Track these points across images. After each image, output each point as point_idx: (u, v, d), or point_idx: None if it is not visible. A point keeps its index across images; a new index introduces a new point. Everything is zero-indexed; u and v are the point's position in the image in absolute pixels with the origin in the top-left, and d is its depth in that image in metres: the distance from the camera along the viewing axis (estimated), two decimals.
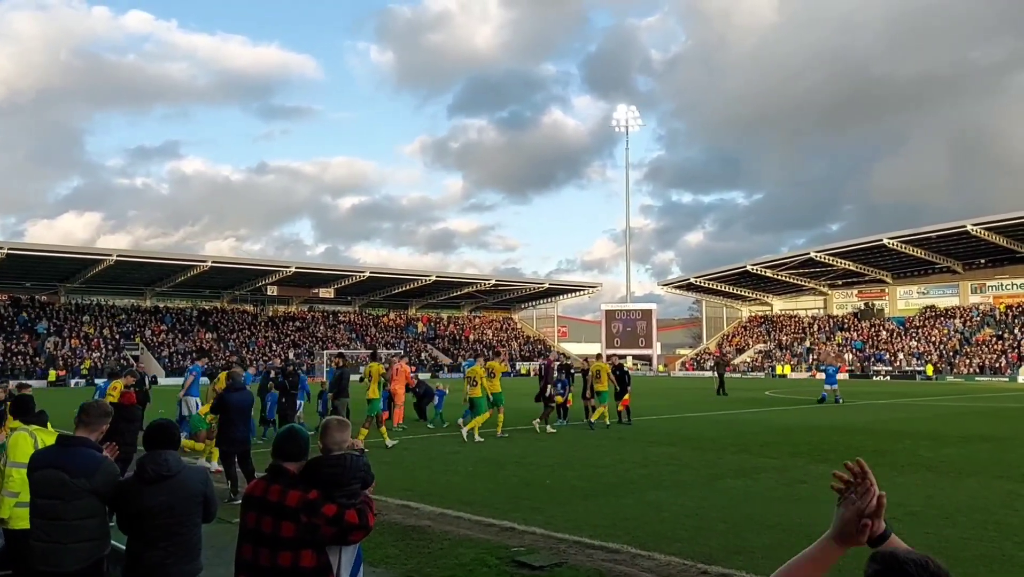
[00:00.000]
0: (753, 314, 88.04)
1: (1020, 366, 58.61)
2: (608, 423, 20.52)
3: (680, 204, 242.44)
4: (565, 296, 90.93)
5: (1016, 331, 63.74)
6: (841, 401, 30.04)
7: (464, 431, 17.54)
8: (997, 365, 60.25)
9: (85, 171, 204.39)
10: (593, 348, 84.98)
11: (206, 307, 73.91)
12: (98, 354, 60.70)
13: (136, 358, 59.74)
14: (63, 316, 65.00)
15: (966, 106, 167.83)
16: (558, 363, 24.46)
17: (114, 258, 60.57)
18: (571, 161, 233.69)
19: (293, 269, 69.56)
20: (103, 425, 4.73)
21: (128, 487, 4.32)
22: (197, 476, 4.48)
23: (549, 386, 20.77)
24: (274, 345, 68.98)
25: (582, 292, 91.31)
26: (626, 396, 21.91)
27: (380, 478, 11.86)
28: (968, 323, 68.13)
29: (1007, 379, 56.60)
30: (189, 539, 4.30)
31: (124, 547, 4.41)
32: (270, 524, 3.70)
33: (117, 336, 64.34)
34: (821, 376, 64.55)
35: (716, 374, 38.48)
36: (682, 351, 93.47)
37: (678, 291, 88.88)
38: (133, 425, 10.86)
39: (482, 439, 17.28)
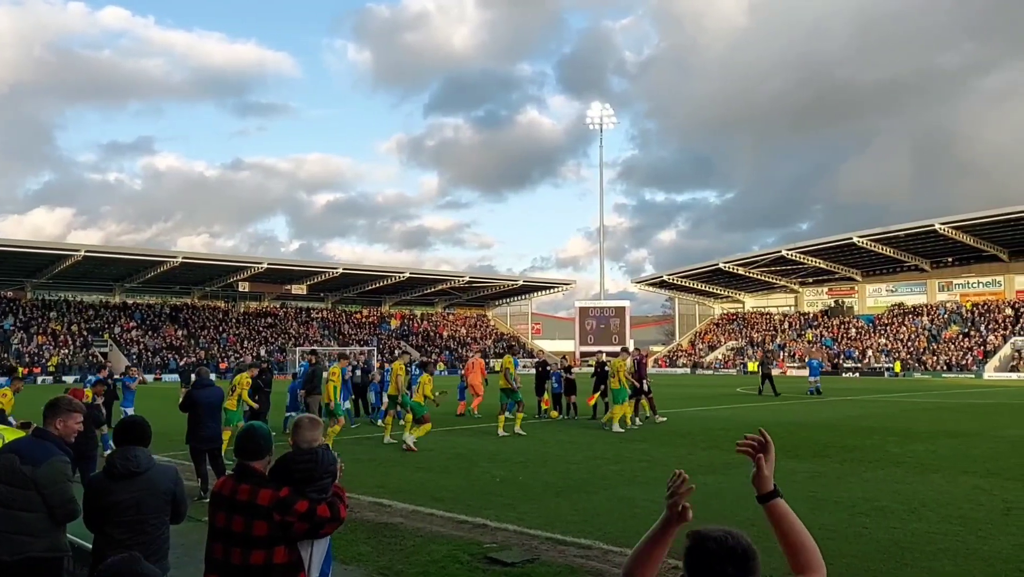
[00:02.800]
0: (725, 311, 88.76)
1: (986, 363, 59.63)
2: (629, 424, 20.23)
3: (653, 203, 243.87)
4: (539, 293, 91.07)
5: (982, 328, 64.83)
6: (819, 393, 32.65)
7: (614, 426, 18.54)
8: (964, 362, 61.23)
9: (56, 166, 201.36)
10: (567, 345, 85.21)
11: (176, 303, 73.10)
12: (66, 351, 59.83)
13: (105, 355, 58.93)
14: (29, 312, 63.98)
15: (930, 109, 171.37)
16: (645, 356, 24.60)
17: (82, 254, 59.70)
18: (546, 160, 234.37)
19: (265, 265, 69.00)
20: (65, 418, 4.66)
21: (96, 483, 4.26)
22: (167, 474, 4.42)
23: (644, 380, 21.04)
24: (245, 342, 68.39)
25: (556, 289, 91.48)
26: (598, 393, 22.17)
27: (352, 475, 11.81)
28: (935, 321, 69.16)
29: (973, 376, 57.55)
30: (157, 538, 4.24)
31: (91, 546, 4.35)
32: (241, 523, 3.68)
33: (85, 332, 63.44)
34: (793, 373, 65.54)
35: (762, 374, 34.88)
36: (655, 348, 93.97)
37: (651, 288, 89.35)
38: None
39: (640, 422, 18.93)
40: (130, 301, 71.22)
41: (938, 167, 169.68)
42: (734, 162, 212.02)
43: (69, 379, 49.61)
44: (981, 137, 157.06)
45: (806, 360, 51.02)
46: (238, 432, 4.15)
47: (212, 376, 12.29)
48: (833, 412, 24.49)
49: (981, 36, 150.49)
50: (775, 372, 33.32)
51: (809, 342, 73.23)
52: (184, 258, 64.79)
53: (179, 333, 67.46)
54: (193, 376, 13.85)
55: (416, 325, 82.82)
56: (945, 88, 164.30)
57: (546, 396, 23.08)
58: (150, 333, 66.18)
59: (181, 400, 11.77)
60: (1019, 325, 63.24)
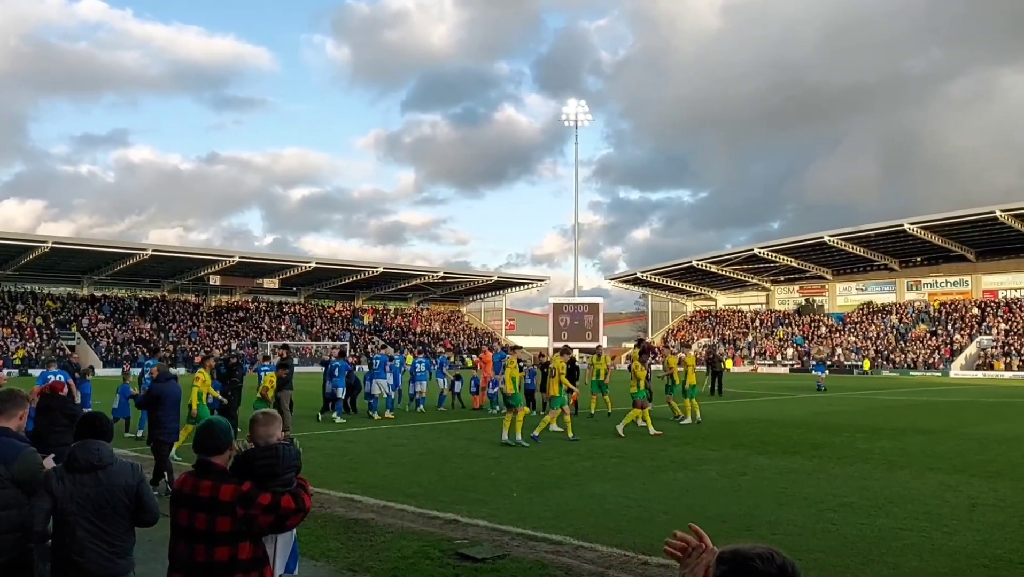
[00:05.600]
0: (698, 309, 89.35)
1: (952, 361, 60.55)
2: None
3: (628, 201, 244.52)
4: (513, 289, 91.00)
5: (949, 327, 65.81)
6: (820, 389, 34.92)
7: (703, 419, 19.90)
8: (931, 360, 62.14)
9: (28, 158, 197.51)
10: (540, 341, 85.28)
11: (146, 296, 72.19)
12: (32, 344, 58.87)
13: (72, 348, 58.02)
14: None
15: (898, 113, 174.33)
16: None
17: (49, 245, 58.74)
18: (522, 157, 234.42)
19: (236, 259, 68.28)
20: (19, 411, 4.57)
21: (57, 476, 4.17)
22: (130, 469, 4.34)
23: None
24: (216, 336, 67.70)
25: (530, 285, 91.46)
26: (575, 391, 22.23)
27: (323, 470, 11.73)
28: (904, 319, 70.10)
29: (940, 374, 58.42)
30: (120, 533, 4.17)
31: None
32: (204, 520, 3.62)
33: (52, 325, 62.46)
34: (764, 370, 66.27)
35: (712, 372, 32.34)
36: (628, 344, 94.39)
37: (625, 285, 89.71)
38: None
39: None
40: (99, 294, 70.22)
41: (905, 169, 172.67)
42: (707, 162, 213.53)
43: (36, 372, 48.70)
44: (947, 140, 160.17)
45: (815, 360, 52.64)
46: (197, 428, 4.10)
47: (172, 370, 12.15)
48: (803, 409, 24.74)
49: (947, 43, 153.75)
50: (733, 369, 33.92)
51: (780, 340, 73.96)
52: (154, 251, 64.03)
53: (148, 326, 66.63)
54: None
55: (390, 320, 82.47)
56: (912, 92, 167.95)
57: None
58: (119, 326, 65.31)
59: (146, 395, 11.58)
60: (985, 324, 64.30)
